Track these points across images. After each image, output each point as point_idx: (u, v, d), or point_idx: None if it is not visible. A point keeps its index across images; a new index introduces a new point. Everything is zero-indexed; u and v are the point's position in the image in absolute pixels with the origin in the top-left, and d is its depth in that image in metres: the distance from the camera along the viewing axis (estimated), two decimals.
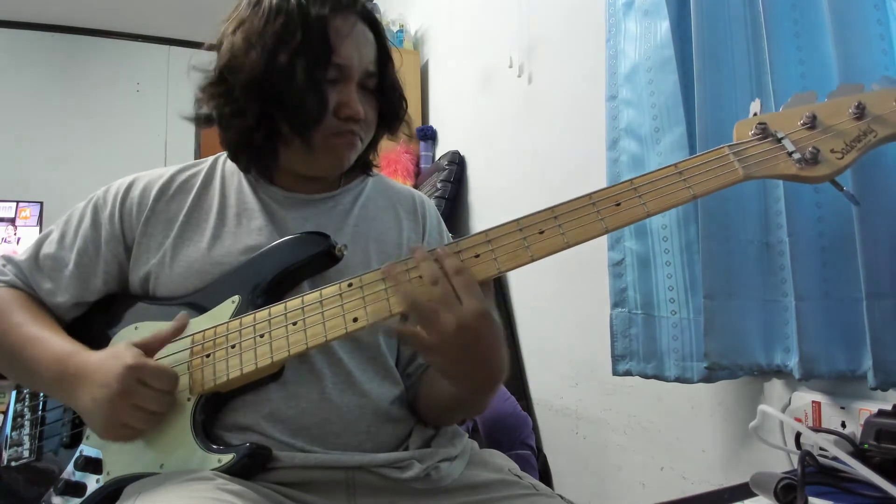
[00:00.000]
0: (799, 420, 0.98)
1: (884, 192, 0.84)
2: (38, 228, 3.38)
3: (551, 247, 0.70)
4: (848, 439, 0.76)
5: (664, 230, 1.15)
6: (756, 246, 1.02)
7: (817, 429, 0.92)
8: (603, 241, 1.15)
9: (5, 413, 0.91)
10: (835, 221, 0.92)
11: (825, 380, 0.95)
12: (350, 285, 0.74)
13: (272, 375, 0.77)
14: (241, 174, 0.92)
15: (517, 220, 0.72)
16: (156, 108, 3.96)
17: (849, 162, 0.68)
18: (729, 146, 0.72)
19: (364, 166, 0.96)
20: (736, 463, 1.17)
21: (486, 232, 0.72)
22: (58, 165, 3.76)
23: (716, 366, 1.01)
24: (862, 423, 0.77)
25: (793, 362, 0.95)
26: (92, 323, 0.88)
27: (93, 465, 0.77)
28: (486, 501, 0.79)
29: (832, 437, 0.78)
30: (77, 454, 0.79)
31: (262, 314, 0.77)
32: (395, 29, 2.92)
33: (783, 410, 1.01)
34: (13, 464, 0.85)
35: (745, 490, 0.67)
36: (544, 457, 1.80)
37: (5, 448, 0.86)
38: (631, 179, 0.71)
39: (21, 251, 0.90)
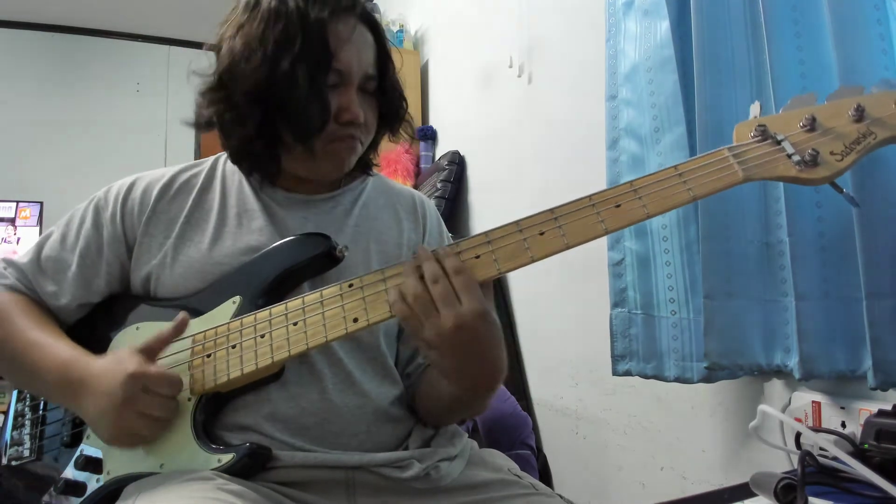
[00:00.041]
0: (799, 420, 0.98)
1: (884, 191, 0.84)
2: (38, 228, 3.38)
3: (551, 248, 0.70)
4: (848, 439, 0.76)
5: (664, 230, 1.15)
6: (756, 246, 1.02)
7: (817, 429, 0.92)
8: (603, 241, 1.15)
9: (6, 413, 0.91)
10: (835, 221, 0.92)
11: (825, 380, 0.95)
12: (351, 286, 0.74)
13: (273, 375, 0.77)
14: (242, 175, 0.92)
15: (517, 222, 0.72)
16: (156, 108, 3.95)
17: (848, 164, 0.69)
18: (728, 148, 0.72)
19: (364, 166, 0.96)
20: (736, 463, 1.17)
21: (486, 233, 0.72)
22: (58, 165, 3.76)
23: (716, 366, 1.01)
24: (862, 423, 0.77)
25: (793, 362, 0.95)
26: (94, 323, 0.88)
27: (93, 465, 0.77)
28: (486, 501, 0.79)
29: (832, 437, 0.78)
30: (77, 453, 0.79)
31: (263, 314, 0.77)
32: (395, 29, 2.92)
33: (783, 410, 1.01)
34: (14, 463, 0.85)
35: (745, 490, 0.67)
36: (544, 457, 1.80)
37: (6, 447, 0.86)
38: (631, 181, 0.71)
39: (22, 254, 0.90)
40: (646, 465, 1.41)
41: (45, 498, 0.80)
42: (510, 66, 1.99)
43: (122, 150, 3.83)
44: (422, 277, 0.69)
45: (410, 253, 0.93)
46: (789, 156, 0.69)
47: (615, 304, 1.23)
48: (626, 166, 1.22)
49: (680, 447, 1.31)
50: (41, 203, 3.42)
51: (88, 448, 0.79)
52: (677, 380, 1.12)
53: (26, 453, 0.85)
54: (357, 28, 0.83)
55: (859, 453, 0.72)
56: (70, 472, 0.79)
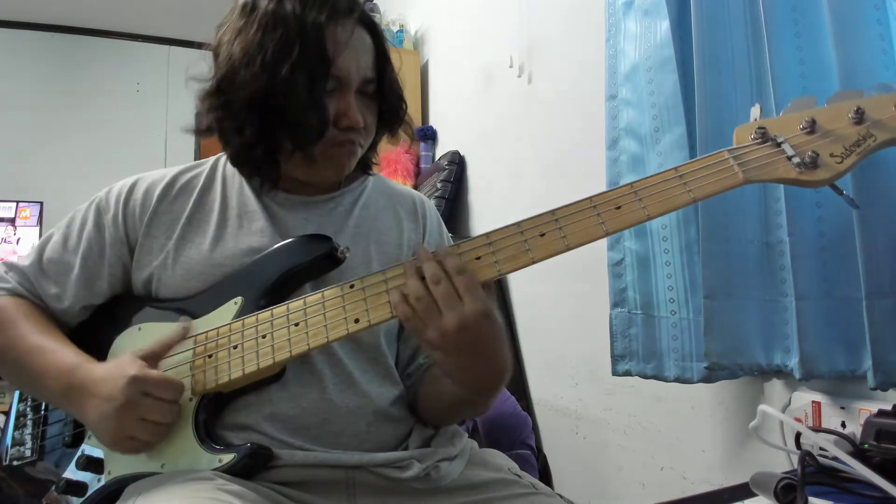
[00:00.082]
0: (799, 420, 0.98)
1: (883, 192, 0.84)
2: (38, 228, 3.38)
3: (552, 249, 0.70)
4: (848, 439, 0.76)
5: (664, 230, 1.15)
6: (756, 246, 1.02)
7: (817, 429, 0.93)
8: (603, 241, 1.15)
9: (7, 413, 0.91)
10: (835, 221, 0.92)
11: (825, 380, 0.95)
12: (352, 287, 0.75)
13: (274, 376, 0.78)
14: (242, 177, 0.92)
15: (518, 223, 0.72)
16: (156, 108, 3.96)
17: (848, 166, 0.69)
18: (729, 150, 0.72)
19: (364, 166, 0.96)
20: (736, 463, 1.17)
21: (487, 234, 0.72)
22: (58, 165, 3.76)
23: (716, 366, 1.01)
24: (862, 423, 0.77)
25: (793, 362, 0.95)
26: (96, 324, 0.88)
27: (94, 465, 0.77)
28: (486, 501, 0.79)
29: (832, 437, 0.78)
30: (79, 453, 0.80)
31: (265, 315, 0.77)
32: (395, 29, 2.92)
33: (783, 410, 1.01)
34: (15, 463, 0.85)
35: (745, 490, 0.67)
36: (544, 457, 1.80)
37: (8, 448, 0.87)
38: (631, 183, 0.71)
39: (23, 257, 0.89)
40: (646, 465, 1.41)
41: (45, 499, 0.81)
42: (510, 66, 1.99)
43: (122, 150, 3.83)
44: (423, 278, 0.70)
45: (411, 253, 0.93)
46: (789, 158, 0.69)
47: (615, 304, 1.23)
48: (626, 166, 1.22)
49: (680, 447, 1.31)
50: (41, 203, 3.42)
51: (90, 448, 0.79)
52: (677, 380, 1.13)
53: (28, 453, 0.85)
54: (355, 31, 0.82)
55: (859, 453, 0.72)
56: (71, 472, 0.79)
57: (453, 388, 0.78)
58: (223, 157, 0.94)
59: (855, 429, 0.87)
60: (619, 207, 0.70)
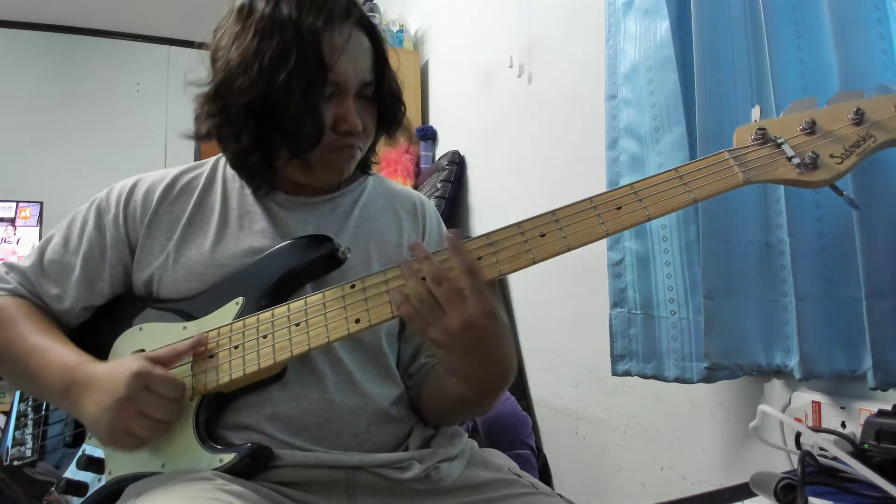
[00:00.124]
0: (799, 420, 0.98)
1: (883, 192, 0.84)
2: (38, 228, 3.38)
3: (552, 250, 0.70)
4: (848, 439, 0.76)
5: (664, 230, 1.15)
6: (756, 246, 1.02)
7: (817, 429, 0.93)
8: (603, 241, 1.16)
9: (8, 413, 0.91)
10: (835, 221, 0.92)
11: (825, 380, 0.95)
12: (353, 287, 0.75)
13: (275, 376, 0.78)
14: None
15: (518, 223, 0.72)
16: (156, 108, 3.95)
17: (848, 167, 0.69)
18: (729, 151, 0.72)
19: (363, 167, 0.96)
20: (736, 463, 1.17)
21: (487, 234, 0.72)
22: (58, 165, 3.76)
23: (716, 366, 1.01)
24: (862, 423, 0.77)
25: (793, 362, 0.95)
26: (97, 325, 0.88)
27: (95, 465, 0.77)
28: (486, 501, 0.79)
29: (832, 437, 0.79)
30: (80, 453, 0.80)
31: (266, 315, 0.77)
32: (395, 29, 2.93)
33: (783, 410, 1.01)
34: (16, 463, 0.85)
35: (745, 490, 0.68)
36: (544, 457, 1.80)
37: (9, 448, 0.87)
38: (632, 183, 0.71)
39: (24, 257, 0.90)
40: (646, 465, 1.41)
41: (45, 498, 0.81)
42: (510, 66, 2.00)
43: (122, 150, 3.83)
44: (423, 278, 0.69)
45: (411, 254, 0.93)
46: (789, 158, 0.70)
47: (615, 304, 1.23)
48: (626, 166, 1.22)
49: (680, 447, 1.31)
50: (41, 203, 3.42)
51: (91, 448, 0.79)
52: (677, 380, 1.13)
53: (28, 453, 0.85)
54: (353, 35, 0.82)
55: (859, 453, 0.72)
56: (72, 472, 0.79)
57: (457, 387, 0.78)
58: (223, 158, 0.94)
59: (855, 429, 0.87)
60: (619, 208, 0.70)
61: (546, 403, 1.84)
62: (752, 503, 0.66)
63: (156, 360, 0.74)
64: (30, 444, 0.86)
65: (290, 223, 0.88)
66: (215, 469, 0.71)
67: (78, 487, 0.78)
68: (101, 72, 4.01)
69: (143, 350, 0.78)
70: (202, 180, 0.92)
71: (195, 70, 0.86)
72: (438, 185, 2.36)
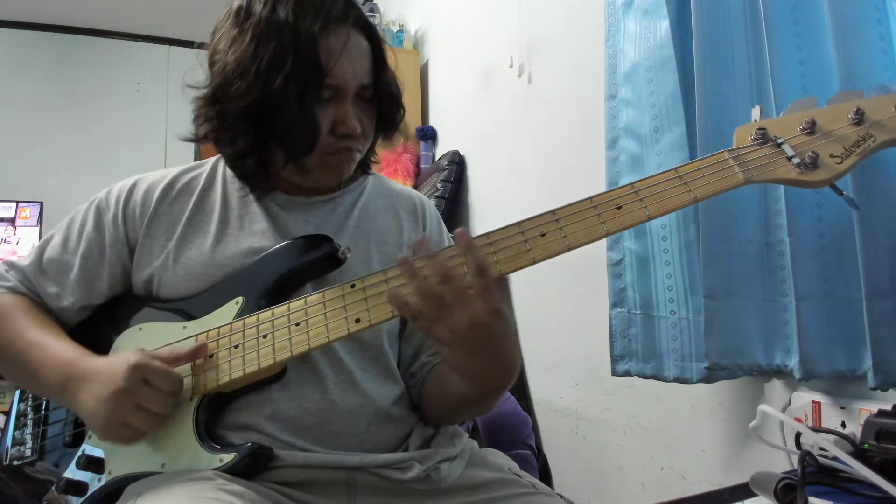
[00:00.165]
0: (799, 420, 0.98)
1: (883, 192, 0.84)
2: (38, 228, 3.38)
3: (552, 249, 0.70)
4: (848, 439, 0.77)
5: (663, 230, 1.15)
6: (756, 246, 1.02)
7: (817, 429, 0.93)
8: (602, 241, 1.16)
9: (8, 413, 0.91)
10: (835, 221, 0.92)
11: (825, 380, 0.95)
12: (353, 287, 0.75)
13: (275, 376, 0.78)
14: None
15: (519, 223, 0.72)
16: (156, 108, 3.95)
17: (848, 167, 0.69)
18: (729, 151, 0.72)
19: (363, 166, 0.96)
20: (736, 463, 1.17)
21: (487, 234, 0.72)
22: (58, 165, 3.76)
23: (716, 366, 1.01)
24: (862, 423, 0.77)
25: (793, 362, 0.95)
26: (96, 324, 0.88)
27: (95, 465, 0.77)
28: (486, 501, 0.79)
29: (832, 437, 0.79)
30: (79, 453, 0.79)
31: (266, 315, 0.77)
32: (395, 29, 2.93)
33: (783, 410, 1.01)
34: (15, 462, 0.85)
35: (745, 490, 0.68)
36: (544, 457, 1.80)
37: (8, 448, 0.87)
38: (632, 183, 0.71)
39: (24, 256, 0.90)
40: (646, 465, 1.41)
41: (46, 498, 0.81)
42: (510, 66, 2.00)
43: (122, 150, 3.83)
44: (426, 277, 0.69)
45: (411, 253, 0.93)
46: (789, 158, 0.70)
47: (614, 304, 1.23)
48: (626, 166, 1.22)
49: (680, 447, 1.31)
50: (41, 203, 3.42)
51: (90, 448, 0.79)
52: (676, 380, 1.13)
53: (28, 453, 0.85)
54: (351, 38, 0.81)
55: (859, 453, 0.72)
56: (71, 472, 0.79)
57: (460, 385, 0.78)
58: (223, 159, 0.94)
59: (855, 429, 0.87)
60: (619, 207, 0.70)
61: (546, 403, 1.84)
62: (752, 503, 0.66)
63: (153, 354, 0.74)
64: (29, 444, 0.86)
65: (290, 223, 0.88)
66: (215, 469, 0.71)
67: (77, 487, 0.77)
68: (101, 72, 4.01)
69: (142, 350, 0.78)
70: (202, 180, 0.92)
71: (193, 72, 0.86)
72: (438, 185, 2.36)
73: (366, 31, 0.85)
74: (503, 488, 0.81)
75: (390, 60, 0.89)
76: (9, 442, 0.87)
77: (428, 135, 2.73)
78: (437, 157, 2.63)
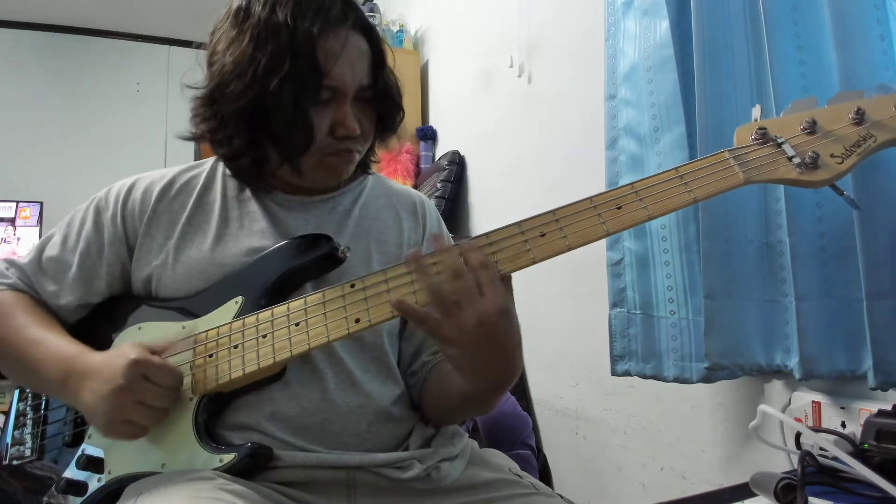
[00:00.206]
0: (799, 420, 0.98)
1: (884, 192, 0.84)
2: (37, 228, 3.38)
3: (552, 249, 0.70)
4: (848, 439, 0.76)
5: (663, 230, 1.15)
6: (756, 246, 1.02)
7: (817, 429, 0.93)
8: (602, 240, 1.16)
9: (7, 412, 0.91)
10: (835, 221, 0.92)
11: (825, 380, 0.95)
12: (353, 286, 0.75)
13: (274, 375, 0.78)
14: None
15: (518, 223, 0.72)
16: (156, 108, 3.96)
17: (849, 167, 0.69)
18: (729, 150, 0.72)
19: (363, 166, 0.96)
20: (736, 463, 1.17)
21: (487, 234, 0.72)
22: (58, 165, 3.77)
23: (716, 366, 1.01)
24: (862, 423, 0.77)
25: (793, 362, 0.95)
26: (96, 324, 0.88)
27: (94, 464, 0.77)
28: (487, 501, 0.79)
29: (832, 437, 0.79)
30: (79, 453, 0.79)
31: (265, 315, 0.77)
32: (395, 29, 2.93)
33: (783, 410, 1.01)
34: (15, 462, 0.85)
35: (745, 490, 0.68)
36: (544, 457, 1.80)
37: (8, 447, 0.87)
38: (632, 183, 0.71)
39: (23, 255, 0.90)
40: (646, 465, 1.41)
41: (46, 498, 0.81)
42: (510, 66, 2.00)
43: (121, 150, 3.84)
44: (439, 273, 0.69)
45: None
46: (790, 158, 0.70)
47: (614, 304, 1.23)
48: (626, 166, 1.22)
49: (680, 447, 1.31)
50: (41, 203, 3.42)
51: (90, 447, 0.79)
52: (676, 380, 1.13)
53: (27, 452, 0.85)
54: (350, 39, 0.81)
55: (859, 453, 0.72)
56: (71, 472, 0.79)
57: (463, 385, 0.78)
58: None
59: (855, 429, 0.87)
60: (619, 207, 0.70)
61: (546, 403, 1.84)
62: (752, 503, 0.66)
63: (150, 351, 0.74)
64: (29, 444, 0.86)
65: (289, 222, 0.88)
66: (215, 469, 0.71)
67: (77, 487, 0.77)
68: (101, 72, 4.01)
69: None
70: (201, 179, 0.92)
71: (192, 72, 0.86)
72: (438, 185, 2.36)
73: (365, 33, 0.84)
74: (503, 488, 0.81)
75: (390, 61, 0.89)
76: (8, 440, 0.87)
77: (428, 135, 2.73)
78: (437, 157, 2.63)
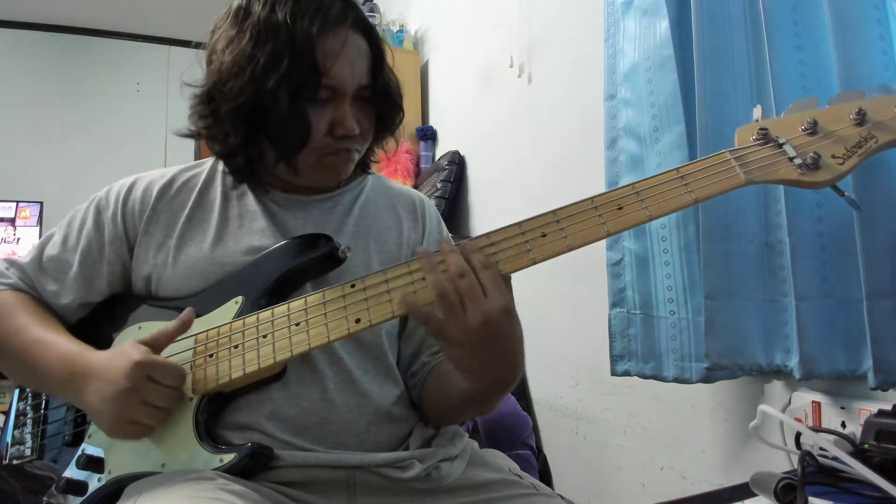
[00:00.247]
0: (799, 420, 0.98)
1: (884, 192, 0.84)
2: (37, 228, 3.38)
3: (553, 250, 0.70)
4: (848, 439, 0.76)
5: (663, 230, 1.15)
6: (756, 246, 1.02)
7: (817, 429, 0.93)
8: (602, 240, 1.16)
9: (7, 412, 0.91)
10: (835, 221, 0.92)
11: (825, 380, 0.95)
12: (353, 286, 0.75)
13: (274, 375, 0.78)
14: None
15: (519, 223, 0.72)
16: (156, 108, 3.96)
17: (850, 167, 0.69)
18: (730, 151, 0.72)
19: (363, 166, 0.97)
20: (736, 463, 1.17)
21: (487, 234, 0.72)
22: (58, 165, 3.77)
23: (717, 366, 1.01)
24: (862, 423, 0.77)
25: (793, 362, 0.95)
26: (96, 323, 0.88)
27: (94, 464, 0.77)
28: (487, 501, 0.79)
29: (832, 437, 0.79)
30: (79, 452, 0.79)
31: (266, 315, 0.77)
32: (395, 29, 2.93)
33: (783, 410, 1.02)
34: (15, 462, 0.85)
35: (745, 490, 0.68)
36: (544, 457, 1.80)
37: (8, 446, 0.87)
38: (633, 183, 0.71)
39: (23, 254, 0.90)
40: (646, 465, 1.41)
41: (45, 498, 0.81)
42: (510, 66, 2.00)
43: (122, 150, 3.84)
44: (444, 272, 0.69)
45: (411, 253, 0.93)
46: (791, 159, 0.70)
47: (614, 304, 1.23)
48: (625, 166, 1.22)
49: (680, 447, 1.31)
50: (41, 203, 3.42)
51: (90, 447, 0.79)
52: (676, 380, 1.13)
53: (27, 452, 0.85)
54: (349, 39, 0.81)
55: (859, 453, 0.72)
56: (71, 471, 0.79)
57: (464, 385, 0.78)
58: None
59: (855, 429, 0.87)
60: (620, 208, 0.70)
61: (546, 403, 1.84)
62: (752, 503, 0.66)
63: (150, 346, 0.73)
64: (29, 443, 0.86)
65: (288, 221, 0.88)
66: (215, 469, 0.71)
67: (77, 487, 0.77)
68: (101, 72, 4.01)
69: None
70: (201, 179, 0.92)
71: (192, 70, 0.86)
72: (438, 185, 2.36)
73: (365, 32, 0.84)
74: (504, 489, 0.81)
75: (389, 61, 0.89)
76: (8, 440, 0.87)
77: (428, 135, 2.73)
78: (437, 157, 2.63)
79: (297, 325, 0.75)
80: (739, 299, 1.01)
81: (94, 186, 0.94)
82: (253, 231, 0.86)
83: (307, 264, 0.81)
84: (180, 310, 0.80)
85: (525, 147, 1.96)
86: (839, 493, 0.67)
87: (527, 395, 1.92)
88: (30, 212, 3.40)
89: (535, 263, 0.71)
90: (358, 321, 0.73)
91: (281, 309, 0.77)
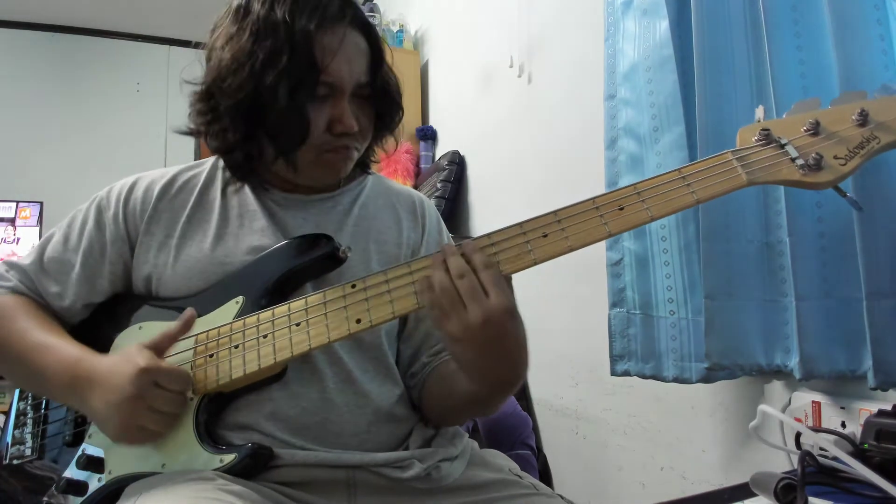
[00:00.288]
0: (799, 420, 0.98)
1: (884, 192, 0.84)
2: (38, 228, 3.38)
3: (554, 250, 0.70)
4: (848, 439, 0.77)
5: (663, 230, 1.15)
6: (756, 246, 1.02)
7: (817, 429, 0.93)
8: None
9: (7, 412, 0.91)
10: (835, 221, 0.92)
11: (825, 380, 0.95)
12: (353, 287, 0.75)
13: (275, 375, 0.78)
14: None
15: (520, 224, 0.72)
16: (156, 108, 3.96)
17: (852, 168, 0.69)
18: (732, 152, 0.72)
19: (362, 166, 0.97)
20: (736, 463, 1.17)
21: (488, 235, 0.72)
22: (58, 165, 3.77)
23: (717, 366, 1.01)
24: (862, 423, 0.77)
25: (793, 362, 0.96)
26: (96, 324, 0.88)
27: (95, 464, 0.77)
28: (487, 501, 0.79)
29: (832, 437, 0.79)
30: (79, 453, 0.79)
31: (266, 315, 0.77)
32: (395, 29, 2.93)
33: (783, 410, 1.02)
34: (15, 462, 0.85)
35: (745, 490, 0.68)
36: (544, 457, 1.80)
37: (8, 446, 0.87)
38: (634, 184, 0.71)
39: (24, 256, 0.90)
40: (646, 465, 1.41)
41: (46, 498, 0.81)
42: (510, 66, 2.00)
43: (122, 150, 3.84)
44: (447, 271, 0.69)
45: (410, 253, 0.93)
46: (793, 160, 0.69)
47: (614, 304, 1.23)
48: (625, 166, 1.23)
49: (680, 447, 1.31)
50: (41, 203, 3.42)
51: (90, 447, 0.79)
52: (676, 380, 1.13)
53: (28, 452, 0.85)
54: (347, 36, 0.81)
55: (859, 453, 0.72)
56: (71, 471, 0.79)
57: (466, 385, 0.77)
58: None
59: (855, 429, 0.87)
60: (622, 208, 0.70)
61: (546, 403, 1.84)
62: (752, 503, 0.66)
63: (153, 350, 0.73)
64: (29, 443, 0.86)
65: (288, 221, 0.88)
66: (216, 469, 0.71)
67: (77, 487, 0.77)
68: (101, 72, 4.01)
69: None
70: (202, 178, 0.92)
71: (192, 69, 0.86)
72: (438, 185, 2.36)
73: (363, 30, 0.85)
74: (504, 489, 0.81)
75: (389, 59, 0.89)
76: (8, 440, 0.87)
77: (428, 135, 2.73)
78: (437, 157, 2.63)
79: (298, 325, 0.75)
80: (739, 299, 1.01)
81: (94, 186, 0.94)
82: (253, 231, 0.86)
83: (308, 264, 0.81)
84: (180, 310, 0.80)
85: (525, 147, 1.96)
86: (839, 493, 0.67)
87: (527, 395, 1.92)
88: (30, 212, 3.40)
89: (536, 264, 0.71)
90: (358, 321, 0.73)
91: (281, 309, 0.77)
